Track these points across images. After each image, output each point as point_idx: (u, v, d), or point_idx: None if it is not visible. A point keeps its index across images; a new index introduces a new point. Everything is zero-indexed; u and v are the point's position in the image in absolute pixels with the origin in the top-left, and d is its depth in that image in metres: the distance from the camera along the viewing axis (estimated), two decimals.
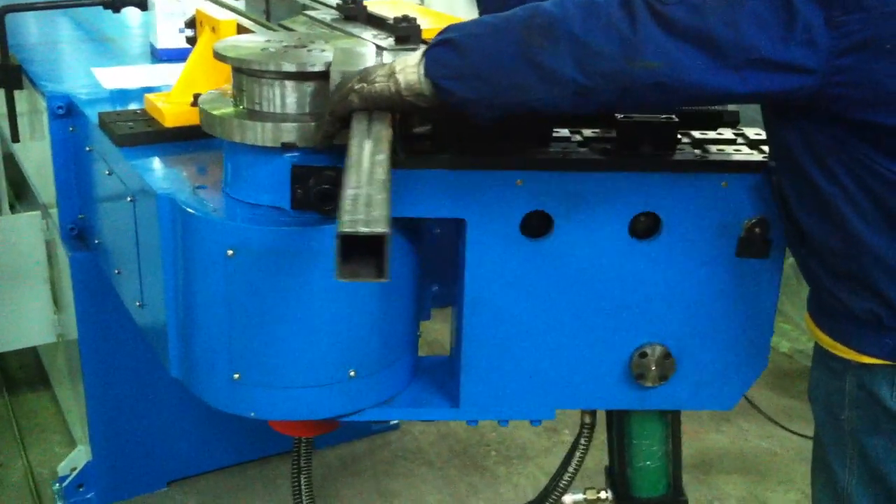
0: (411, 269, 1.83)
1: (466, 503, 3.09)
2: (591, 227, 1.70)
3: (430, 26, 1.98)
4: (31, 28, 3.42)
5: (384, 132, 1.43)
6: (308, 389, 1.78)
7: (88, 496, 2.91)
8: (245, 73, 1.73)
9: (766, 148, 1.70)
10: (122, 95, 2.53)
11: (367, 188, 1.24)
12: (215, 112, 1.74)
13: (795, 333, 4.10)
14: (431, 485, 3.15)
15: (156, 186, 1.86)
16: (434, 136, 1.67)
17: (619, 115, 1.66)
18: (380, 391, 1.85)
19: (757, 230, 1.69)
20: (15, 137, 2.87)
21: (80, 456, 2.93)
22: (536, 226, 1.71)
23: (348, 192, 1.23)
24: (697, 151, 1.70)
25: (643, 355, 1.78)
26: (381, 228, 1.15)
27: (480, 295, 1.75)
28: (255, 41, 1.81)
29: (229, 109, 1.76)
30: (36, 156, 2.87)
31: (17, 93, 2.81)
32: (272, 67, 1.68)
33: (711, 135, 1.76)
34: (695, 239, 1.71)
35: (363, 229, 1.14)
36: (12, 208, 4.01)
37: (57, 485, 2.93)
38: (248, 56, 1.70)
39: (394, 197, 1.62)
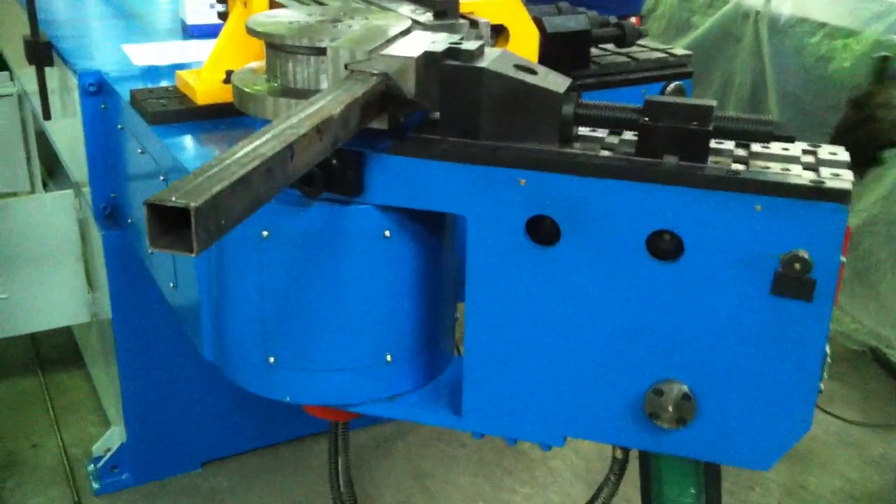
0: (446, 252, 1.77)
1: (501, 486, 3.05)
2: (603, 241, 1.53)
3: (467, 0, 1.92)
4: (60, 4, 3.39)
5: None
6: (343, 373, 1.74)
7: (123, 477, 2.91)
8: (278, 48, 1.68)
9: (828, 171, 1.48)
10: (153, 72, 2.49)
11: (217, 169, 1.16)
12: (248, 89, 1.70)
13: (837, 314, 4.02)
14: (465, 467, 3.12)
15: (189, 165, 1.82)
16: (440, 122, 1.59)
17: (643, 119, 1.51)
18: (417, 376, 1.80)
19: (796, 266, 1.45)
20: (46, 115, 2.85)
21: (114, 437, 2.92)
22: (547, 231, 1.57)
23: (186, 176, 1.15)
24: (737, 166, 1.49)
25: (658, 392, 1.57)
26: (191, 202, 1.06)
27: (482, 299, 1.63)
28: (288, 16, 1.76)
29: (262, 87, 1.72)
30: (68, 134, 2.84)
31: (47, 70, 2.79)
32: (305, 43, 1.64)
33: (758, 148, 1.56)
34: (722, 267, 1.49)
35: (172, 202, 1.06)
36: (45, 186, 4.00)
37: (91, 465, 2.93)
38: (281, 31, 1.65)
39: (395, 185, 1.59)
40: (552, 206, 1.55)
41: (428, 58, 1.55)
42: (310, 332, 1.71)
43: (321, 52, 1.64)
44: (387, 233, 1.65)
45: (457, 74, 1.55)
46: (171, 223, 1.08)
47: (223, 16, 2.27)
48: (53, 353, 3.63)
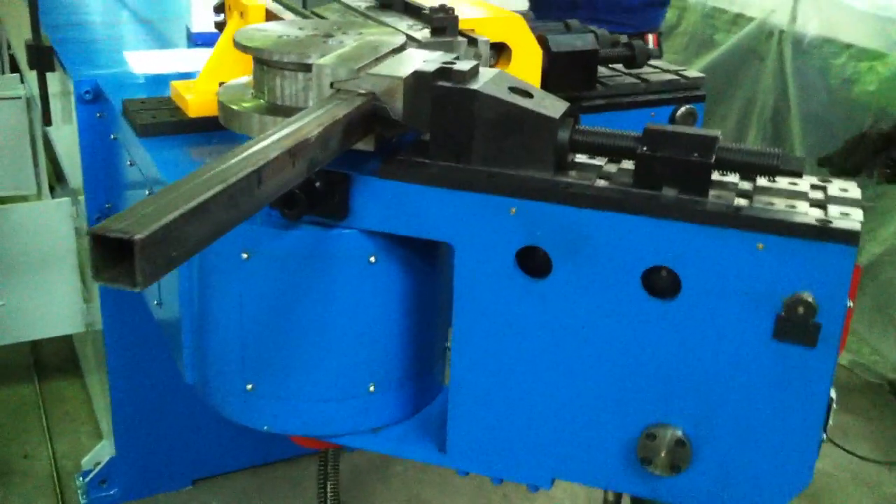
0: (436, 277, 1.70)
1: None
2: (596, 275, 1.45)
3: (469, 16, 1.84)
4: (65, 7, 3.35)
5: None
6: (324, 403, 1.67)
7: (111, 492, 2.85)
8: (265, 63, 1.62)
9: (836, 209, 1.40)
10: (152, 81, 2.44)
11: (173, 195, 1.08)
12: (234, 106, 1.64)
13: (855, 344, 3.91)
14: (464, 494, 3.04)
15: (171, 181, 1.75)
16: (430, 145, 1.51)
17: (642, 148, 1.43)
18: (401, 407, 1.73)
19: (800, 310, 1.36)
20: (47, 120, 2.80)
21: (104, 450, 2.86)
22: (538, 262, 1.49)
23: (143, 200, 1.08)
24: (739, 201, 1.41)
25: (651, 437, 1.49)
26: (135, 234, 0.98)
27: (469, 330, 1.56)
28: (278, 30, 1.70)
29: (249, 103, 1.65)
30: (67, 140, 2.79)
31: (50, 75, 2.74)
32: (293, 58, 1.57)
33: (763, 182, 1.48)
34: (721, 308, 1.42)
35: (115, 232, 0.99)
36: (52, 190, 3.96)
37: (80, 479, 2.87)
38: (268, 45, 1.59)
39: (382, 210, 1.51)
40: (544, 236, 1.47)
41: (418, 78, 1.48)
42: (290, 360, 1.64)
43: (309, 68, 1.57)
44: (372, 258, 1.58)
45: (448, 96, 1.48)
46: (118, 254, 1.01)
47: (220, 26, 2.21)
48: (53, 359, 3.59)
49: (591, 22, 3.18)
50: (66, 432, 3.18)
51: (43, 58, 2.69)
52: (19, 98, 3.74)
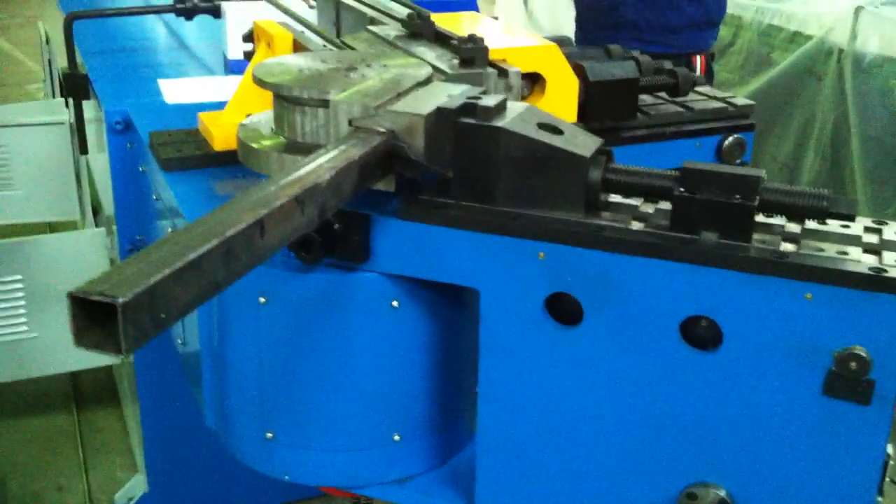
0: (464, 321, 1.61)
1: None
2: (630, 324, 1.36)
3: (502, 45, 1.76)
4: (104, 33, 3.32)
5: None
6: (347, 453, 1.59)
7: None
8: (284, 99, 1.55)
9: (892, 256, 1.29)
10: (184, 111, 2.38)
11: (162, 252, 1.00)
12: (253, 143, 1.57)
13: None
14: None
15: (190, 218, 1.69)
16: (453, 185, 1.43)
17: (679, 189, 1.34)
18: (428, 457, 1.64)
19: (852, 365, 1.26)
20: (83, 149, 2.78)
21: (137, 485, 2.82)
22: (568, 309, 1.40)
23: (131, 257, 1.01)
24: (786, 246, 1.32)
25: (691, 497, 1.40)
26: (119, 297, 0.91)
27: (496, 380, 1.47)
28: (300, 63, 1.63)
29: (269, 140, 1.58)
30: (101, 169, 2.76)
31: (86, 102, 2.71)
32: (313, 94, 1.50)
33: (812, 225, 1.38)
34: (766, 361, 1.32)
35: (96, 295, 0.92)
36: (96, 215, 3.95)
37: None
38: (285, 81, 1.52)
39: (404, 252, 1.43)
40: (574, 282, 1.38)
41: (440, 114, 1.40)
42: (310, 408, 1.57)
43: (328, 104, 1.49)
44: (395, 303, 1.50)
45: (472, 134, 1.39)
46: (100, 316, 0.94)
47: (249, 55, 2.15)
48: (92, 387, 3.56)
49: (635, 43, 3.09)
50: (102, 464, 3.15)
51: (78, 85, 2.67)
52: (62, 124, 3.74)
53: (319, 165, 1.25)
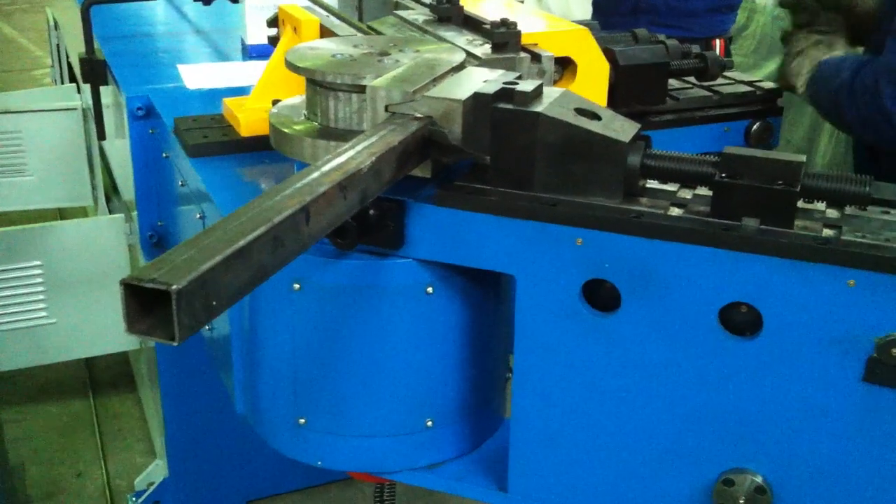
0: (496, 308, 1.61)
1: None
2: (669, 311, 1.35)
3: (533, 30, 1.75)
4: (121, 19, 3.30)
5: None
6: (379, 439, 1.59)
7: None
8: (317, 84, 1.54)
9: None
10: (206, 96, 2.38)
11: (211, 239, 1.00)
12: (286, 129, 1.56)
13: None
14: None
15: (221, 205, 1.69)
16: (490, 171, 1.41)
17: (720, 175, 1.32)
18: (460, 442, 1.64)
19: (894, 352, 1.26)
20: (101, 135, 2.77)
21: (157, 471, 2.82)
22: (606, 296, 1.39)
23: (180, 244, 1.00)
24: (827, 232, 1.30)
25: (728, 483, 1.39)
26: (172, 284, 0.91)
27: (531, 366, 1.46)
28: (332, 48, 1.62)
29: (301, 125, 1.57)
30: (120, 155, 2.75)
31: (104, 88, 2.70)
32: (347, 80, 1.49)
33: (853, 211, 1.36)
34: (807, 348, 1.31)
35: (150, 282, 0.92)
36: (108, 202, 3.94)
37: (133, 500, 2.83)
38: (319, 66, 1.51)
39: (439, 239, 1.43)
40: (612, 269, 1.37)
41: (477, 100, 1.39)
42: (343, 394, 1.56)
43: (363, 89, 1.48)
44: (429, 289, 1.49)
45: (509, 119, 1.38)
46: (153, 304, 0.93)
47: (274, 40, 2.14)
48: (107, 374, 3.56)
49: (653, 27, 3.06)
50: (120, 449, 3.15)
51: (96, 71, 2.65)
52: (75, 109, 3.73)
53: (360, 151, 1.24)
